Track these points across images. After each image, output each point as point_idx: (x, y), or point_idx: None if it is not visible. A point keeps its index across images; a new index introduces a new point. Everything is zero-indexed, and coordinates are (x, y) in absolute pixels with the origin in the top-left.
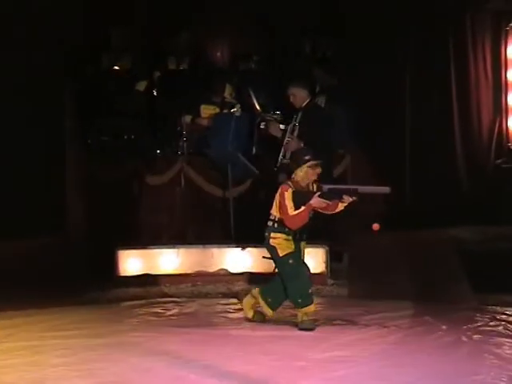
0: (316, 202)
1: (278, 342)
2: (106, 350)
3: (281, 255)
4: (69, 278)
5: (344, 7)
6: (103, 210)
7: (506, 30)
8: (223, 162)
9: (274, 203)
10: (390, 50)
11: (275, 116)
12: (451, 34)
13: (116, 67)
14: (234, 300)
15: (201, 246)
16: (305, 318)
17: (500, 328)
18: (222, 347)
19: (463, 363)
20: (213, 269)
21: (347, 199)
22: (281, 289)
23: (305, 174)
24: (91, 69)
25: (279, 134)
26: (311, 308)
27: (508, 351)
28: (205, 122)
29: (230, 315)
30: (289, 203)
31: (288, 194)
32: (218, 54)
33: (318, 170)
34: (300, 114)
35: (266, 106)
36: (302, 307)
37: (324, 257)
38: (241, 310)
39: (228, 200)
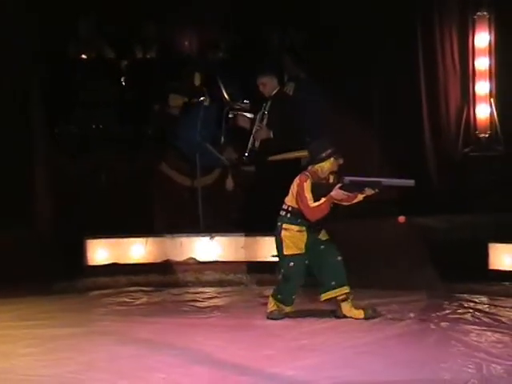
0: (337, 193)
1: (246, 331)
2: (74, 340)
3: (285, 253)
4: (37, 267)
5: None
6: (72, 199)
7: (474, 19)
8: (191, 151)
9: (290, 193)
10: (357, 39)
11: (243, 105)
12: (419, 23)
13: (83, 56)
14: (203, 289)
15: (169, 235)
16: (274, 309)
17: (467, 316)
18: (190, 336)
19: (431, 351)
20: (181, 258)
21: (369, 192)
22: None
23: (330, 165)
24: (58, 58)
25: (247, 125)
26: (286, 309)
27: (475, 339)
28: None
29: (199, 304)
30: (308, 194)
31: (307, 185)
32: (186, 42)
33: (340, 161)
34: (269, 103)
35: (235, 94)
36: (279, 302)
37: None
38: (210, 298)
39: (196, 189)
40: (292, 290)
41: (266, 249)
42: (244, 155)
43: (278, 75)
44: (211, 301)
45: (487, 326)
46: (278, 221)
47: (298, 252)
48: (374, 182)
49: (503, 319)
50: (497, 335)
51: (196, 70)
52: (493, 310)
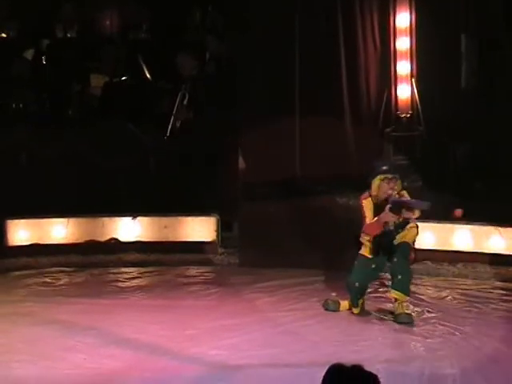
0: (384, 216)
1: (168, 312)
2: None
3: (359, 252)
4: None
5: None
6: None
7: (394, 0)
8: (115, 129)
9: None
10: (278, 19)
11: None
12: (339, 3)
13: (3, 34)
14: (125, 269)
15: (91, 215)
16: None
17: (388, 294)
18: (112, 316)
19: (352, 329)
20: (103, 238)
21: (408, 215)
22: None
23: (377, 187)
24: None
25: None
26: (354, 310)
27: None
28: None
29: (121, 284)
30: (366, 211)
31: (366, 203)
32: (107, 22)
33: (393, 186)
34: (189, 83)
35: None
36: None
37: (214, 226)
38: (132, 278)
39: (119, 170)
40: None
41: (188, 228)
42: (165, 135)
43: (198, 55)
44: (133, 281)
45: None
46: None
47: (367, 257)
48: (415, 203)
49: (423, 297)
50: (418, 314)
51: (118, 49)
52: (413, 289)
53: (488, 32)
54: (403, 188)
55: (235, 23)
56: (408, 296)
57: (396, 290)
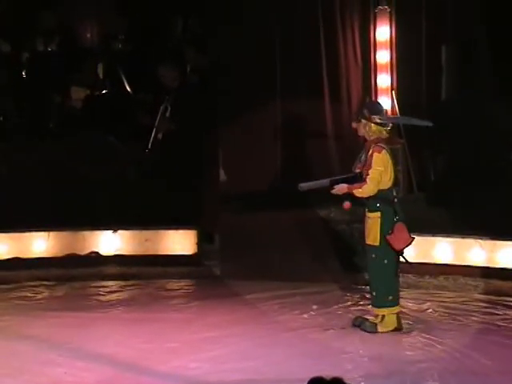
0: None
1: (148, 325)
2: None
3: None
4: None
5: None
6: None
7: (375, 13)
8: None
9: None
10: (260, 30)
11: None
12: (321, 16)
13: None
14: (106, 283)
15: (71, 229)
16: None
17: (370, 307)
18: (92, 330)
19: (333, 342)
20: (84, 251)
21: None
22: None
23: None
24: None
25: None
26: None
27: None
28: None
29: (101, 298)
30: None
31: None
32: (88, 34)
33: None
34: (171, 95)
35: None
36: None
37: (195, 238)
38: (113, 292)
39: (100, 181)
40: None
41: (169, 242)
42: (147, 148)
43: (179, 66)
44: (114, 294)
45: None
46: None
47: None
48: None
49: (405, 310)
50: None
51: (98, 61)
52: None
53: (468, 44)
54: None
55: (216, 33)
56: (386, 307)
57: (373, 307)
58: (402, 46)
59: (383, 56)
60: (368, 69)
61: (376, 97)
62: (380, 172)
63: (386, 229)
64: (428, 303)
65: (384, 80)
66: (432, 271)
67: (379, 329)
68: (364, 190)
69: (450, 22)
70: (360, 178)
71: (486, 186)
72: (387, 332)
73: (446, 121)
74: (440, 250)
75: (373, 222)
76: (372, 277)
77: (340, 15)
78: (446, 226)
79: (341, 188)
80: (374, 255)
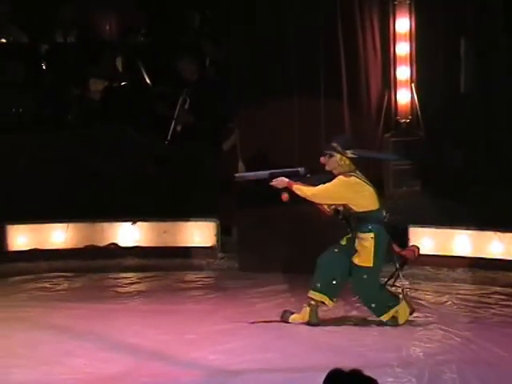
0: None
1: (167, 316)
2: None
3: None
4: None
5: None
6: None
7: (394, 5)
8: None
9: None
10: (276, 25)
11: None
12: (339, 8)
13: (3, 40)
14: (124, 274)
15: (90, 220)
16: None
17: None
18: (111, 321)
19: (351, 335)
20: (102, 243)
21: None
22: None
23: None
24: None
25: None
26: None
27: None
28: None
29: (120, 289)
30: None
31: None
32: (107, 27)
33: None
34: (190, 88)
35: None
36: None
37: (214, 230)
38: (131, 283)
39: (118, 173)
40: None
41: (187, 233)
42: (166, 139)
43: (198, 60)
44: (132, 286)
45: None
46: None
47: None
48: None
49: (423, 302)
50: (417, 319)
51: (117, 54)
52: (414, 294)
53: (487, 36)
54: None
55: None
56: (391, 308)
57: (379, 317)
58: (421, 38)
59: (402, 48)
60: (387, 61)
61: (395, 89)
62: (335, 192)
63: (381, 250)
64: (446, 296)
65: (403, 72)
66: (451, 264)
67: (400, 321)
68: (306, 193)
69: (470, 14)
70: (300, 176)
71: (505, 180)
72: (407, 320)
73: (467, 114)
74: (459, 242)
75: (366, 242)
76: (365, 295)
77: (359, 7)
78: (465, 218)
79: (280, 182)
80: (365, 276)
